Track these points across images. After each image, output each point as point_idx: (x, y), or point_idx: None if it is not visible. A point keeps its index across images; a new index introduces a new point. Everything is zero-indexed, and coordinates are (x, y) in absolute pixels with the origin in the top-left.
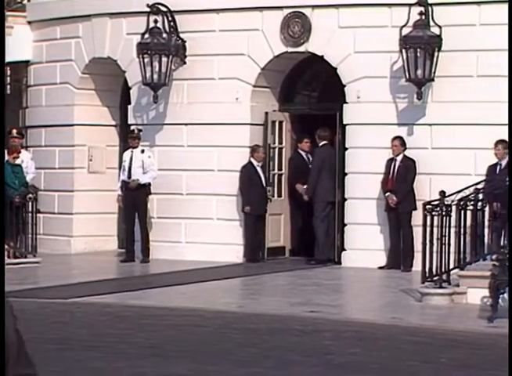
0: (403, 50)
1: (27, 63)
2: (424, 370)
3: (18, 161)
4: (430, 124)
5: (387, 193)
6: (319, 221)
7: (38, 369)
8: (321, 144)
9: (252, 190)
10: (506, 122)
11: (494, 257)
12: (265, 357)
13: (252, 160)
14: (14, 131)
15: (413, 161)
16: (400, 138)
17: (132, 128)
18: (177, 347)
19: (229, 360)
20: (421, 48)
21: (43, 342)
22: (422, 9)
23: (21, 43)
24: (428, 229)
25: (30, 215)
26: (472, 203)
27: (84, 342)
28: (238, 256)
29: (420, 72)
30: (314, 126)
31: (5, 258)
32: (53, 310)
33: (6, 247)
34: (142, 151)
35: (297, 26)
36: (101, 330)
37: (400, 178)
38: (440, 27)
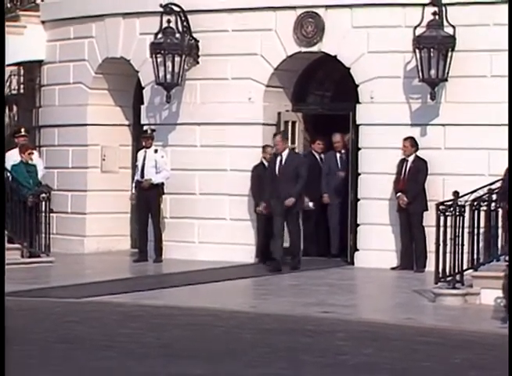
0: (417, 50)
1: (40, 62)
2: (438, 371)
3: (33, 158)
4: (443, 125)
5: (398, 194)
6: (298, 230)
7: (51, 369)
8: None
9: (264, 190)
10: None
11: (507, 257)
12: (278, 357)
13: (263, 160)
14: (22, 129)
15: (425, 162)
16: (411, 138)
17: (145, 128)
18: (189, 347)
19: (242, 360)
20: (435, 48)
21: (55, 341)
22: (436, 8)
23: (34, 43)
24: (442, 230)
25: (43, 214)
26: (486, 203)
27: (96, 342)
28: (251, 256)
29: (433, 72)
30: (327, 126)
31: (19, 257)
32: (66, 309)
33: (19, 246)
34: (156, 151)
35: (310, 26)
36: (113, 329)
37: (411, 178)
38: (454, 27)
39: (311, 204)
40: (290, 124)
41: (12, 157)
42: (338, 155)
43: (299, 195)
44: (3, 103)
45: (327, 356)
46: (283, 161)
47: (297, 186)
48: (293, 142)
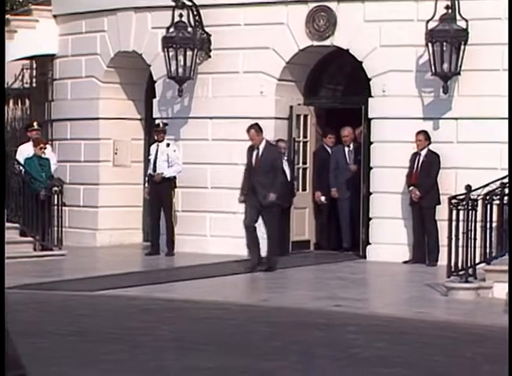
0: (429, 44)
1: (52, 56)
2: (450, 365)
3: (46, 151)
4: (456, 118)
5: (411, 188)
6: (275, 229)
7: (62, 361)
8: (265, 141)
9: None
10: None
11: None
12: (290, 351)
13: None
14: (35, 123)
15: (437, 156)
16: (424, 132)
17: (157, 121)
18: (201, 340)
19: (254, 354)
20: (447, 41)
21: (68, 334)
22: (448, 2)
23: (47, 37)
24: (454, 224)
25: (55, 208)
26: (498, 197)
27: (108, 335)
28: (263, 250)
29: (446, 66)
30: (339, 120)
31: (31, 250)
32: (78, 303)
33: (32, 239)
34: (168, 145)
35: (322, 20)
36: (125, 322)
37: (424, 172)
38: (466, 20)
39: (323, 199)
40: (302, 117)
41: (25, 151)
42: (347, 149)
43: (279, 189)
44: (3, 102)
45: (339, 350)
46: (260, 154)
47: (276, 180)
48: (305, 136)
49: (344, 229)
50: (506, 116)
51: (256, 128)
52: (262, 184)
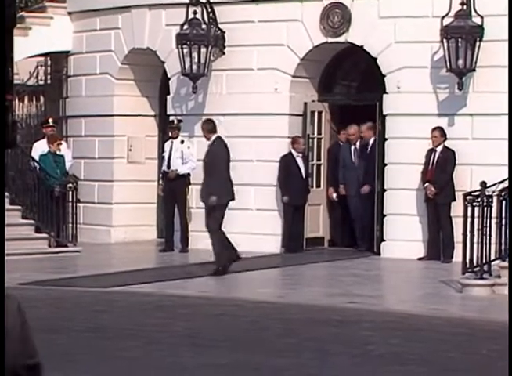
0: (444, 40)
1: (67, 53)
2: (464, 362)
3: (62, 148)
4: (471, 115)
5: (426, 184)
6: (218, 229)
7: (78, 358)
8: (213, 138)
9: (291, 181)
10: None
11: None
12: (304, 348)
13: (292, 150)
14: (50, 120)
15: (453, 152)
16: (440, 128)
17: (172, 118)
18: (216, 337)
19: (268, 350)
20: (462, 38)
21: (82, 331)
22: None
23: (61, 34)
24: (469, 220)
25: (70, 204)
26: None
27: (122, 331)
28: (277, 246)
29: (461, 62)
30: (353, 117)
31: (46, 246)
32: (93, 299)
33: (47, 236)
34: (182, 142)
35: (336, 16)
36: (140, 319)
37: (439, 169)
38: (482, 16)
39: (334, 195)
40: (316, 114)
41: (40, 148)
42: (353, 147)
43: (217, 188)
44: (4, 101)
45: (353, 347)
46: (206, 152)
47: (210, 179)
48: (319, 132)
49: (357, 226)
50: None
51: (203, 126)
52: (206, 182)
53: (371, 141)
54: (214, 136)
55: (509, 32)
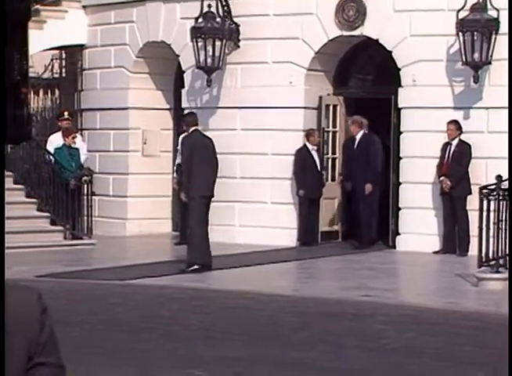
0: (460, 33)
1: (81, 46)
2: (480, 356)
3: (76, 141)
4: (486, 108)
5: (442, 178)
6: (197, 224)
7: (93, 350)
8: (190, 131)
9: (306, 174)
10: None
11: None
12: (319, 341)
13: (307, 143)
14: (65, 113)
15: (469, 146)
16: (456, 122)
17: (186, 111)
18: (230, 330)
19: (283, 344)
20: (478, 31)
21: (97, 323)
22: None
23: (76, 27)
24: (485, 214)
25: (85, 197)
26: None
27: (137, 324)
28: (292, 240)
29: (476, 55)
30: (368, 110)
31: (62, 239)
32: (107, 291)
33: (62, 228)
34: None
35: (352, 10)
36: (154, 311)
37: (455, 162)
38: (497, 9)
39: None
40: (331, 107)
41: (56, 141)
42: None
43: (192, 186)
44: (4, 100)
45: (368, 340)
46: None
47: (185, 176)
48: (334, 126)
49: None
50: None
51: (183, 119)
52: (186, 177)
53: (358, 136)
54: (191, 130)
55: (509, 31)
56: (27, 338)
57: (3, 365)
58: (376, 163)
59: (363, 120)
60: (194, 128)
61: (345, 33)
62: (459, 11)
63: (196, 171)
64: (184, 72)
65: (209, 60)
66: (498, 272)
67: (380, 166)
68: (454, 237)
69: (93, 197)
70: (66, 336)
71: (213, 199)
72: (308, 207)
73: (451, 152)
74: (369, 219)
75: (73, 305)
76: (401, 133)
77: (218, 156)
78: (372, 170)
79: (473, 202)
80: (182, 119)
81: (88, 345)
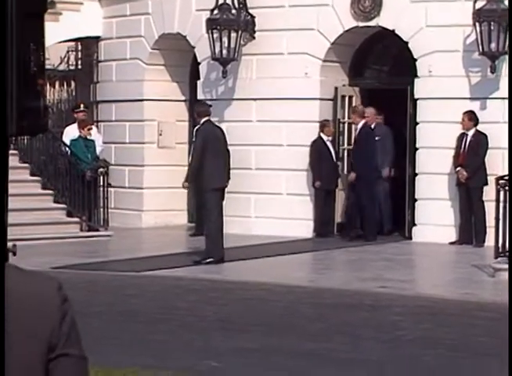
0: (477, 23)
1: (97, 38)
2: (496, 346)
3: (92, 133)
4: (503, 98)
5: (458, 168)
6: (212, 217)
7: (110, 342)
8: (202, 121)
9: (322, 165)
10: None
11: None
12: (336, 332)
13: (322, 135)
14: (81, 105)
15: (485, 136)
16: (471, 112)
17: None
18: (247, 321)
19: (299, 335)
20: (495, 21)
21: (113, 314)
22: None
23: (91, 19)
24: (501, 204)
25: (101, 189)
26: None
27: (153, 315)
28: (308, 231)
29: (493, 45)
30: (384, 101)
31: (78, 230)
32: (124, 283)
33: (78, 220)
34: None
35: (367, 0)
36: (171, 303)
37: (471, 152)
38: None
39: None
40: (346, 98)
41: (71, 132)
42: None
43: (190, 174)
44: (4, 99)
45: (385, 331)
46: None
47: (193, 168)
48: (350, 117)
49: (384, 212)
50: None
51: (194, 108)
52: (194, 168)
53: (359, 126)
54: (203, 120)
55: (509, 29)
56: (47, 326)
57: (3, 364)
58: (374, 156)
59: (367, 109)
60: (206, 118)
61: (361, 24)
62: (475, 1)
63: (207, 164)
64: (199, 64)
65: (224, 52)
66: None
67: (378, 159)
68: (470, 228)
69: (109, 189)
70: (83, 327)
71: (229, 190)
72: (323, 199)
73: (467, 142)
74: (356, 212)
75: (90, 296)
76: (417, 124)
77: (234, 147)
78: (366, 163)
79: (489, 193)
80: (193, 109)
81: (107, 336)
